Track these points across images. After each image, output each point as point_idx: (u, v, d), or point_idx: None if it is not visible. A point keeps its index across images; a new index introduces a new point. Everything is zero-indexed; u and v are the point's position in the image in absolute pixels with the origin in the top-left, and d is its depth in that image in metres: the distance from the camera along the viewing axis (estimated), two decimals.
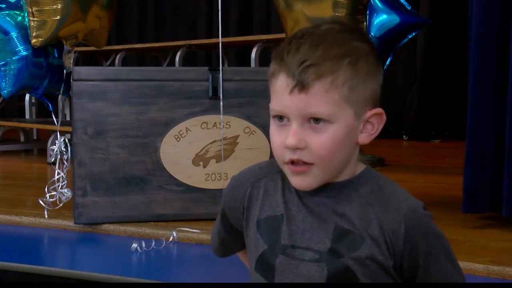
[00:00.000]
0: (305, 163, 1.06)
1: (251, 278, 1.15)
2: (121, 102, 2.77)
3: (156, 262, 2.40)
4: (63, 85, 3.10)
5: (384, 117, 1.10)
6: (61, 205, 2.88)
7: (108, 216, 2.76)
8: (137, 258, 2.43)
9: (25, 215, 2.92)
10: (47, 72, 3.09)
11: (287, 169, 1.08)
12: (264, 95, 3.03)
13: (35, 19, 2.93)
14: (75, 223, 2.76)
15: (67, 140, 2.93)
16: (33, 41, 2.96)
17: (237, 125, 2.83)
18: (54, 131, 3.51)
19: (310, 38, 1.05)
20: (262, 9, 6.88)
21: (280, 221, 1.11)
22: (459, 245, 2.32)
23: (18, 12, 3.01)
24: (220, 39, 3.05)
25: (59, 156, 2.90)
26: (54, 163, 3.02)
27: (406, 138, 6.09)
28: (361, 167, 1.12)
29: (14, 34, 2.97)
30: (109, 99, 2.76)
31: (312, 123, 1.05)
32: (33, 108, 5.79)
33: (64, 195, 2.88)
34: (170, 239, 2.57)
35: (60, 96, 3.93)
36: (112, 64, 6.09)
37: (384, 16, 3.17)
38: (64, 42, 3.07)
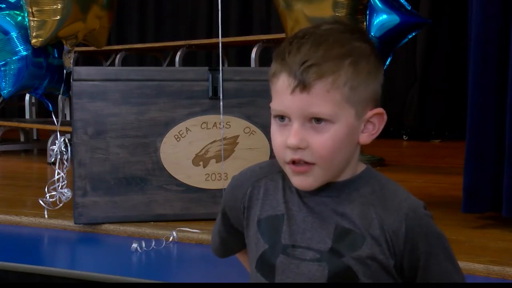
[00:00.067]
0: (306, 163, 1.06)
1: (251, 278, 1.15)
2: (121, 102, 2.77)
3: (156, 262, 2.40)
4: (63, 85, 3.10)
5: (385, 117, 1.10)
6: (61, 205, 2.88)
7: (108, 216, 2.76)
8: (137, 258, 2.43)
9: (25, 215, 2.92)
10: (47, 72, 3.09)
11: (288, 169, 1.08)
12: (264, 95, 3.03)
13: (35, 19, 2.93)
14: (75, 223, 2.76)
15: (67, 140, 2.93)
16: (33, 41, 2.96)
17: (237, 125, 2.83)
18: (54, 131, 3.51)
19: (311, 38, 1.05)
20: (262, 9, 6.88)
21: (280, 220, 1.11)
22: (459, 245, 2.32)
23: (18, 12, 3.01)
24: (220, 39, 3.05)
25: (59, 156, 2.90)
26: (54, 163, 3.02)
27: (406, 138, 6.09)
28: (361, 167, 1.12)
29: (14, 34, 2.97)
30: (109, 99, 2.76)
31: (313, 123, 1.05)
32: (33, 108, 5.79)
33: (64, 195, 2.88)
34: (170, 239, 2.57)
35: (60, 96, 3.93)
36: (112, 64, 6.09)
37: (384, 16, 3.17)
38: (64, 42, 3.07)
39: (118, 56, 6.02)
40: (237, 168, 1.24)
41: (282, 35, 3.67)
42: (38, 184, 3.42)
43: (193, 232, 2.60)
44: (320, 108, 1.04)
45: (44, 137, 5.52)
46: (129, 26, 7.67)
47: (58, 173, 2.88)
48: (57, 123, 3.08)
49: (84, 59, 6.68)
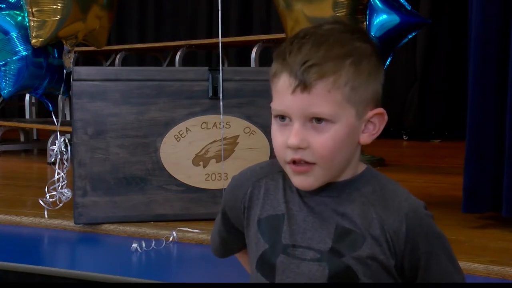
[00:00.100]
0: (307, 162, 1.06)
1: (251, 278, 1.16)
2: (121, 102, 2.77)
3: (156, 262, 2.40)
4: (63, 85, 3.10)
5: (386, 117, 1.10)
6: (61, 205, 2.88)
7: (108, 216, 2.76)
8: (137, 258, 2.43)
9: (25, 215, 2.92)
10: (47, 72, 3.09)
11: (288, 169, 1.08)
12: (264, 95, 3.03)
13: (35, 19, 2.93)
14: (75, 223, 2.76)
15: (67, 140, 2.93)
16: (33, 41, 2.96)
17: (237, 125, 2.83)
18: (54, 131, 3.51)
19: (312, 38, 1.05)
20: (262, 9, 6.88)
21: (281, 220, 1.11)
22: (459, 245, 2.32)
23: (18, 12, 3.01)
24: (220, 39, 3.05)
25: (59, 156, 2.90)
26: (54, 163, 3.02)
27: (406, 138, 6.09)
28: (362, 167, 1.13)
29: (14, 34, 2.97)
30: (109, 99, 2.76)
31: (314, 123, 1.05)
32: (33, 108, 5.79)
33: (64, 195, 2.88)
34: (170, 239, 2.57)
35: (60, 96, 3.93)
36: (112, 64, 6.09)
37: (384, 16, 3.17)
38: (64, 42, 3.07)
39: (118, 56, 6.02)
40: (237, 168, 1.24)
41: (282, 35, 3.67)
42: (38, 184, 3.42)
43: (193, 232, 2.60)
44: (321, 108, 1.04)
45: (44, 137, 5.52)
46: (129, 26, 7.67)
47: (58, 173, 2.88)
48: (57, 123, 3.08)
49: (84, 59, 6.68)
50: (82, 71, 2.81)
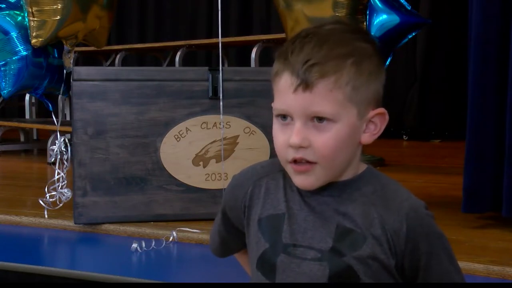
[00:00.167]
0: (308, 162, 1.06)
1: (252, 277, 1.16)
2: (121, 102, 2.77)
3: (156, 262, 2.40)
4: (63, 85, 3.10)
5: (387, 117, 1.11)
6: (61, 205, 2.88)
7: (108, 216, 2.76)
8: (137, 258, 2.43)
9: (25, 215, 2.92)
10: (47, 72, 3.09)
11: (290, 168, 1.08)
12: (264, 95, 3.03)
13: (35, 19, 2.93)
14: (75, 223, 2.76)
15: (67, 140, 2.93)
16: (33, 41, 2.96)
17: (237, 125, 2.83)
18: (54, 131, 3.51)
19: (314, 38, 1.06)
20: (262, 9, 6.88)
21: (281, 219, 1.11)
22: (459, 245, 2.32)
23: (18, 12, 3.01)
24: (220, 39, 3.05)
25: (59, 156, 2.90)
26: (54, 163, 3.02)
27: (406, 138, 6.09)
28: (363, 167, 1.13)
29: (14, 34, 2.97)
30: (109, 99, 2.76)
31: (315, 122, 1.05)
32: (33, 108, 5.79)
33: (64, 195, 2.88)
34: (170, 239, 2.57)
35: (60, 96, 3.93)
36: (112, 64, 6.09)
37: (384, 16, 3.17)
38: (64, 42, 3.07)
39: (118, 56, 6.02)
40: (237, 168, 1.24)
41: (282, 35, 3.67)
42: (38, 184, 3.42)
43: (193, 232, 2.60)
44: (323, 107, 1.04)
45: (44, 137, 5.52)
46: (129, 26, 7.67)
47: (58, 173, 2.88)
48: (57, 123, 3.08)
49: (84, 59, 6.68)
50: (82, 71, 2.81)
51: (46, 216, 2.85)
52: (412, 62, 6.07)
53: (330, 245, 1.07)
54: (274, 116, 1.09)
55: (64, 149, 2.90)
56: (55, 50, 3.12)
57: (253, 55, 4.98)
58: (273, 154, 2.77)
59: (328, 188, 1.10)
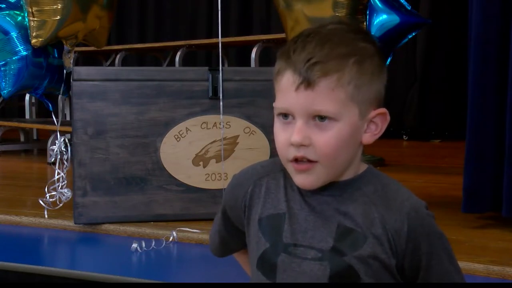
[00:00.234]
0: (309, 160, 1.06)
1: (252, 277, 1.15)
2: (121, 102, 2.77)
3: (156, 262, 2.40)
4: (63, 85, 3.10)
5: (388, 117, 1.11)
6: (61, 205, 2.88)
7: (108, 216, 2.76)
8: (137, 258, 2.43)
9: (25, 215, 2.91)
10: (47, 72, 3.09)
11: (290, 167, 1.08)
12: (264, 95, 3.03)
13: (35, 19, 2.93)
14: (75, 223, 2.76)
15: (67, 140, 2.93)
16: (33, 41, 2.96)
17: (237, 125, 2.83)
18: (54, 131, 3.51)
19: (317, 37, 1.06)
20: (262, 9, 6.88)
21: (282, 219, 1.11)
22: (459, 245, 2.32)
23: (18, 12, 3.01)
24: (220, 39, 3.06)
25: (59, 156, 2.90)
26: (54, 163, 3.02)
27: (406, 138, 6.09)
28: (363, 167, 1.13)
29: (14, 34, 2.97)
30: (109, 99, 2.76)
31: (317, 121, 1.05)
32: (33, 108, 5.79)
33: (64, 195, 2.88)
34: (170, 239, 2.57)
35: (60, 96, 3.93)
36: (112, 64, 6.09)
37: (384, 16, 3.17)
38: (64, 42, 3.07)
39: (118, 56, 6.02)
40: (237, 168, 1.24)
41: (282, 35, 3.67)
42: (38, 184, 3.42)
43: (193, 232, 2.60)
44: (324, 105, 1.04)
45: (44, 137, 5.52)
46: (129, 26, 7.67)
47: (58, 173, 2.88)
48: (57, 123, 3.08)
49: (84, 59, 6.68)
50: (82, 71, 2.81)
51: (46, 216, 2.85)
52: (412, 62, 6.07)
53: (330, 245, 1.07)
54: (275, 115, 1.09)
55: (64, 149, 2.90)
56: (55, 50, 3.12)
57: (253, 55, 4.99)
58: (273, 154, 2.78)
59: (329, 188, 1.10)
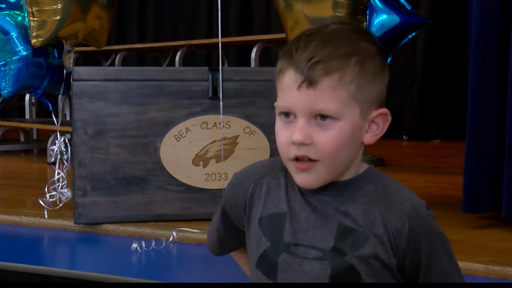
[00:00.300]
0: (310, 160, 1.06)
1: (251, 277, 1.15)
2: (121, 102, 2.77)
3: (156, 262, 2.40)
4: (63, 85, 3.10)
5: (389, 118, 1.11)
6: (61, 205, 2.88)
7: (108, 216, 2.76)
8: (137, 258, 2.43)
9: (25, 215, 2.91)
10: (47, 72, 3.09)
11: (291, 166, 1.08)
12: (264, 95, 3.03)
13: (35, 19, 2.93)
14: (75, 223, 2.76)
15: (67, 140, 2.93)
16: (33, 41, 2.96)
17: (237, 125, 2.83)
18: (54, 131, 3.51)
19: (319, 37, 1.06)
20: (262, 9, 6.88)
21: (283, 218, 1.11)
22: (459, 245, 2.32)
23: (18, 12, 3.01)
24: (220, 39, 3.06)
25: (59, 156, 2.90)
26: (54, 163, 3.02)
27: (406, 138, 6.09)
28: (364, 167, 1.13)
29: (14, 34, 2.97)
30: (109, 99, 2.76)
31: (318, 120, 1.05)
32: (33, 108, 5.79)
33: (64, 195, 2.88)
34: (170, 239, 2.57)
35: (60, 96, 3.93)
36: (112, 64, 6.09)
37: (384, 16, 3.17)
38: (64, 42, 3.07)
39: (118, 56, 6.02)
40: (237, 168, 1.24)
41: (282, 35, 3.67)
42: (38, 184, 3.42)
43: (193, 232, 2.60)
44: (326, 104, 1.04)
45: (44, 137, 5.52)
46: (129, 26, 7.67)
47: (58, 173, 2.88)
48: (57, 123, 3.08)
49: (84, 59, 6.68)
50: (82, 71, 2.81)
51: (46, 216, 2.85)
52: (412, 62, 6.07)
53: (331, 245, 1.07)
54: (277, 114, 1.09)
55: (64, 149, 2.90)
56: (55, 50, 3.12)
57: (253, 55, 4.98)
58: (273, 154, 2.78)
59: (329, 188, 1.10)
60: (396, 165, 4.40)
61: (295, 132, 1.05)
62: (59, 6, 2.91)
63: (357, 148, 1.10)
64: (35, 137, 5.89)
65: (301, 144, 1.05)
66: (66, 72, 3.08)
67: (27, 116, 5.80)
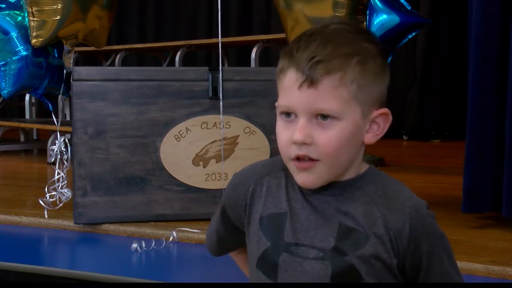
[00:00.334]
0: (311, 159, 1.06)
1: (251, 277, 1.15)
2: (121, 102, 2.77)
3: (156, 262, 2.40)
4: (63, 85, 3.10)
5: (390, 118, 1.11)
6: (61, 205, 2.88)
7: (108, 216, 2.76)
8: (137, 258, 2.43)
9: (25, 215, 2.91)
10: (47, 72, 3.09)
11: (292, 166, 1.08)
12: (264, 95, 3.03)
13: (35, 19, 2.93)
14: (75, 223, 2.76)
15: (67, 140, 2.93)
16: (33, 41, 2.96)
17: (237, 125, 2.83)
18: (54, 131, 3.51)
19: (320, 37, 1.07)
20: (262, 9, 6.88)
21: (283, 218, 1.11)
22: (459, 245, 2.32)
23: (18, 12, 3.01)
24: (220, 39, 3.06)
25: (59, 156, 2.90)
26: (54, 163, 3.02)
27: (406, 138, 6.09)
28: (365, 167, 1.13)
29: (14, 34, 2.97)
30: (109, 99, 2.76)
31: (319, 119, 1.05)
32: (33, 108, 5.79)
33: (64, 195, 2.88)
34: (170, 239, 2.57)
35: (60, 96, 3.93)
36: (112, 64, 6.09)
37: (384, 16, 3.17)
38: (64, 42, 3.07)
39: (118, 56, 6.02)
40: (237, 168, 1.24)
41: (282, 35, 3.67)
42: (38, 184, 3.42)
43: (193, 232, 2.60)
44: (327, 104, 1.04)
45: (44, 137, 5.52)
46: (129, 26, 7.67)
47: (58, 173, 2.88)
48: (57, 123, 3.08)
49: (84, 59, 6.68)
50: (82, 71, 2.81)
51: (46, 216, 2.85)
52: (412, 62, 6.07)
53: (332, 244, 1.07)
54: (278, 114, 1.09)
55: (64, 149, 2.90)
56: (55, 50, 3.12)
57: (253, 55, 4.98)
58: (273, 154, 2.78)
59: (330, 188, 1.10)
60: (396, 165, 4.40)
61: (296, 131, 1.05)
62: (59, 6, 2.91)
63: (358, 148, 1.10)
64: (35, 137, 5.89)
65: (302, 144, 1.05)
66: (66, 72, 3.08)
67: (27, 116, 5.80)
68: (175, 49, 5.72)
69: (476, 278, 2.11)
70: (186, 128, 2.80)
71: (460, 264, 1.13)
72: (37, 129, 5.77)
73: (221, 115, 2.78)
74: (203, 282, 2.17)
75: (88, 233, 2.75)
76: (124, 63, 6.09)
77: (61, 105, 5.00)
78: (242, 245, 1.21)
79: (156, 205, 2.79)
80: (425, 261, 1.08)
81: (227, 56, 5.96)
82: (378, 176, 1.12)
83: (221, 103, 2.78)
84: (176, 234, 2.58)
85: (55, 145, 2.92)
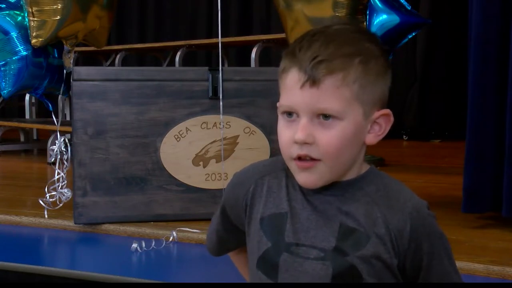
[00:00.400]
0: (312, 159, 1.06)
1: (251, 277, 1.15)
2: (121, 102, 2.77)
3: (156, 262, 2.40)
4: (63, 85, 3.10)
5: (392, 118, 1.11)
6: (61, 205, 2.88)
7: (108, 216, 2.76)
8: (137, 258, 2.43)
9: (25, 215, 2.91)
10: (47, 72, 3.08)
11: (293, 166, 1.08)
12: (264, 95, 3.03)
13: (35, 19, 2.93)
14: (75, 223, 2.76)
15: (67, 140, 2.93)
16: (33, 41, 2.96)
17: (237, 125, 2.83)
18: (54, 131, 3.51)
19: (322, 37, 1.07)
20: (262, 9, 6.88)
21: (284, 218, 1.11)
22: (459, 245, 2.32)
23: (18, 12, 3.01)
24: (220, 39, 3.05)
25: (59, 156, 2.90)
26: (54, 163, 3.02)
27: (406, 138, 6.09)
28: (366, 167, 1.13)
29: (14, 34, 2.97)
30: (109, 99, 2.76)
31: (321, 119, 1.05)
32: (33, 108, 5.79)
33: (64, 195, 2.88)
34: (170, 239, 2.57)
35: (60, 96, 3.93)
36: (112, 64, 6.09)
37: (384, 16, 3.17)
38: (64, 42, 3.07)
39: (118, 56, 6.02)
40: (237, 168, 1.24)
41: (282, 35, 3.66)
42: (38, 184, 3.42)
43: (193, 232, 2.60)
44: (329, 103, 1.04)
45: (44, 137, 5.52)
46: (129, 26, 7.67)
47: (58, 173, 2.88)
48: (57, 123, 3.08)
49: (84, 59, 6.68)
50: (82, 71, 2.81)
51: (46, 216, 2.85)
52: (412, 62, 6.07)
53: (333, 245, 1.07)
54: (279, 114, 1.10)
55: (64, 149, 2.90)
56: (55, 50, 3.12)
57: (253, 55, 4.98)
58: (273, 154, 2.78)
59: (331, 188, 1.10)
60: (396, 165, 4.40)
61: (298, 131, 1.05)
62: (59, 6, 2.91)
63: (359, 148, 1.10)
64: (35, 137, 5.89)
65: (303, 143, 1.05)
66: (66, 72, 3.08)
67: (27, 116, 5.80)
68: (175, 49, 5.72)
69: (476, 278, 2.11)
70: (186, 128, 2.80)
71: (460, 264, 1.13)
72: (37, 129, 5.77)
73: (221, 115, 2.78)
74: (203, 282, 2.17)
75: (88, 233, 2.75)
76: (124, 63, 6.09)
77: (61, 105, 5.00)
78: (242, 245, 1.21)
79: (156, 205, 2.79)
80: (425, 261, 1.08)
81: (227, 56, 5.96)
82: (379, 176, 1.12)
83: (221, 103, 2.78)
84: (176, 234, 2.58)
85: (55, 145, 2.92)
